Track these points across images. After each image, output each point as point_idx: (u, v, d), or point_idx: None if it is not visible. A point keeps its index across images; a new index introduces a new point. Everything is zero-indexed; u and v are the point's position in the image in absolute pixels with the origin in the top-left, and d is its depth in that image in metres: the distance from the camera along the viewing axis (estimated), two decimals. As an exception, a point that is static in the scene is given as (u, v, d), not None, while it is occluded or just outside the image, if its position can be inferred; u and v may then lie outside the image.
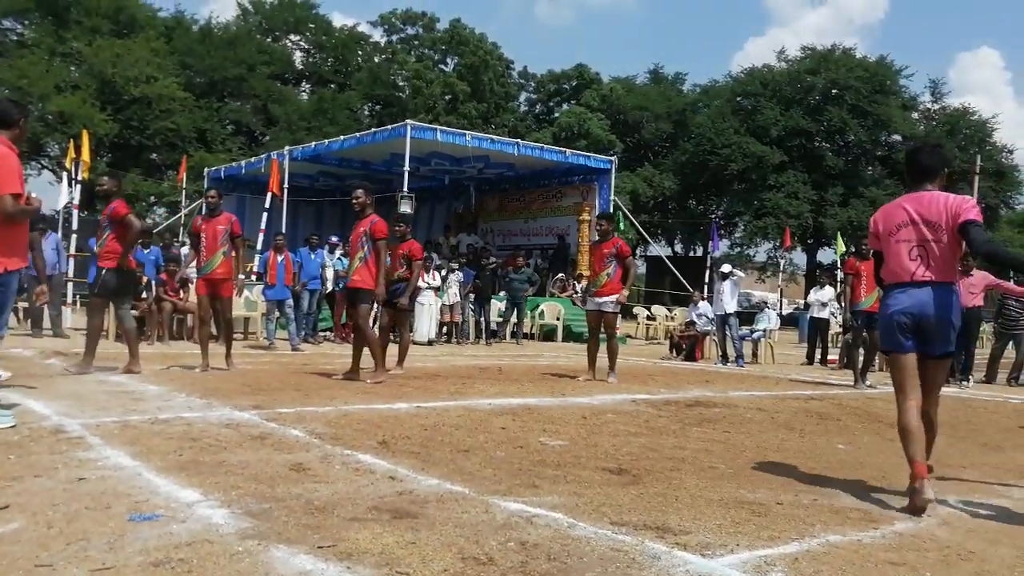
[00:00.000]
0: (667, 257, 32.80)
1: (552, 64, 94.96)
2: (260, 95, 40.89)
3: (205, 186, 24.89)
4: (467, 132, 20.94)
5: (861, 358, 11.20)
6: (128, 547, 2.91)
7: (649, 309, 25.26)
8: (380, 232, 8.46)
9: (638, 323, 23.38)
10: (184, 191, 26.83)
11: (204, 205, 9.33)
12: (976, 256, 4.27)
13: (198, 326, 9.66)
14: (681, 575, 2.93)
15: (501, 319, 17.60)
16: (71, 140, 16.08)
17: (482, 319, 16.91)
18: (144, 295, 12.94)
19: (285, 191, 19.74)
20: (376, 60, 48.86)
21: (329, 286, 14.76)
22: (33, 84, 31.10)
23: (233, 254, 9.09)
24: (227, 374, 8.60)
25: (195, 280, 9.38)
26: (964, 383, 11.82)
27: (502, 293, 17.60)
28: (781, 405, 8.25)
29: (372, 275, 8.48)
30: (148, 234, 16.85)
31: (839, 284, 21.38)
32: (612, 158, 22.83)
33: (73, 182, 15.03)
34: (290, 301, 13.34)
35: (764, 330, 16.06)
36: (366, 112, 46.51)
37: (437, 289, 15.49)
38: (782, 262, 35.16)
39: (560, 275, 20.89)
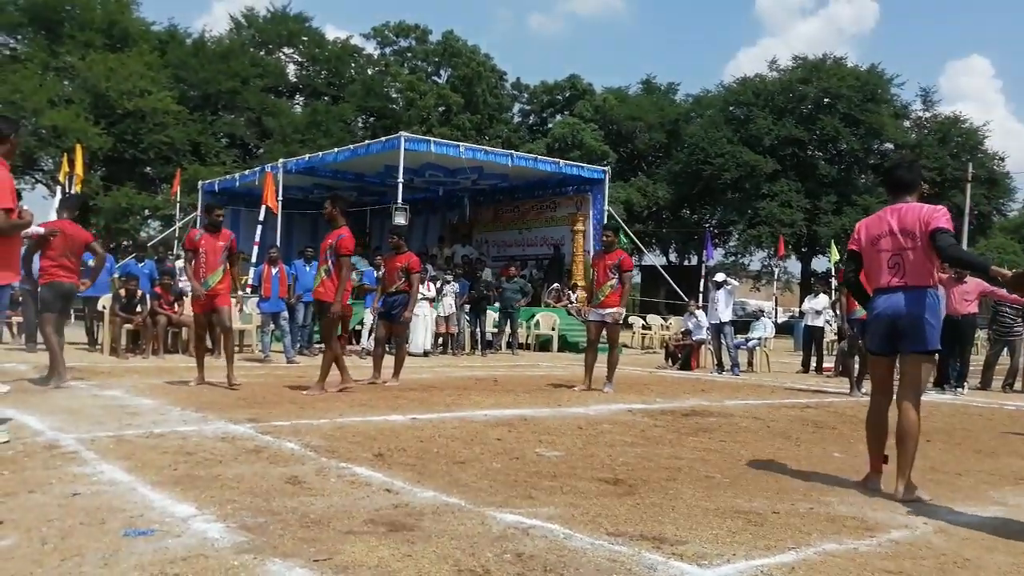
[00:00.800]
0: (662, 266, 32.83)
1: (545, 75, 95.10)
2: (254, 108, 40.92)
3: (200, 199, 24.98)
4: (461, 143, 20.96)
5: (856, 366, 11.20)
6: (123, 563, 2.90)
7: (644, 318, 25.26)
8: (345, 248, 8.38)
9: (633, 332, 23.38)
10: (179, 204, 26.84)
11: (206, 220, 9.20)
12: (943, 260, 4.50)
13: (195, 341, 9.48)
14: (678, 585, 2.92)
15: (496, 330, 17.59)
16: (64, 154, 16.07)
17: (477, 330, 16.90)
18: (139, 308, 12.91)
19: (279, 204, 19.75)
20: (369, 72, 48.94)
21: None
22: (26, 98, 31.10)
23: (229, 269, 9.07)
24: (222, 386, 8.56)
25: (190, 295, 9.35)
26: (959, 390, 11.83)
27: (496, 304, 17.60)
28: (777, 414, 8.26)
29: (334, 289, 8.40)
30: (142, 247, 16.87)
31: (833, 292, 21.45)
32: (606, 168, 22.89)
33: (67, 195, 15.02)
34: (285, 313, 13.34)
35: (759, 339, 16.07)
36: (360, 124, 46.55)
37: (432, 300, 15.49)
38: (776, 270, 35.29)
39: (555, 285, 20.91)
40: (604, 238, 10.30)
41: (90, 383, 8.64)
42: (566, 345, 18.67)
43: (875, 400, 4.88)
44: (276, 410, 6.95)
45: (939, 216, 4.53)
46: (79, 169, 15.01)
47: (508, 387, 9.80)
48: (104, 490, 3.95)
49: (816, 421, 7.79)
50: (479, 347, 16.71)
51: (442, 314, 15.97)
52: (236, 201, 23.95)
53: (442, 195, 24.85)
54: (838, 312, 16.10)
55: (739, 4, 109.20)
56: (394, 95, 47.33)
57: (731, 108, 43.02)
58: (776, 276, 35.52)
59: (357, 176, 22.51)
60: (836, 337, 17.09)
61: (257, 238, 19.06)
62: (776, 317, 34.63)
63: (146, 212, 36.73)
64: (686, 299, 19.01)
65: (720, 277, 14.34)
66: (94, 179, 33.66)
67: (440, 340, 16.27)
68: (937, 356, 4.85)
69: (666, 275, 26.68)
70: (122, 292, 13.04)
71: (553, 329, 18.82)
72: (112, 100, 33.57)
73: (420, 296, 14.34)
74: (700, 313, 15.87)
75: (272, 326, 13.41)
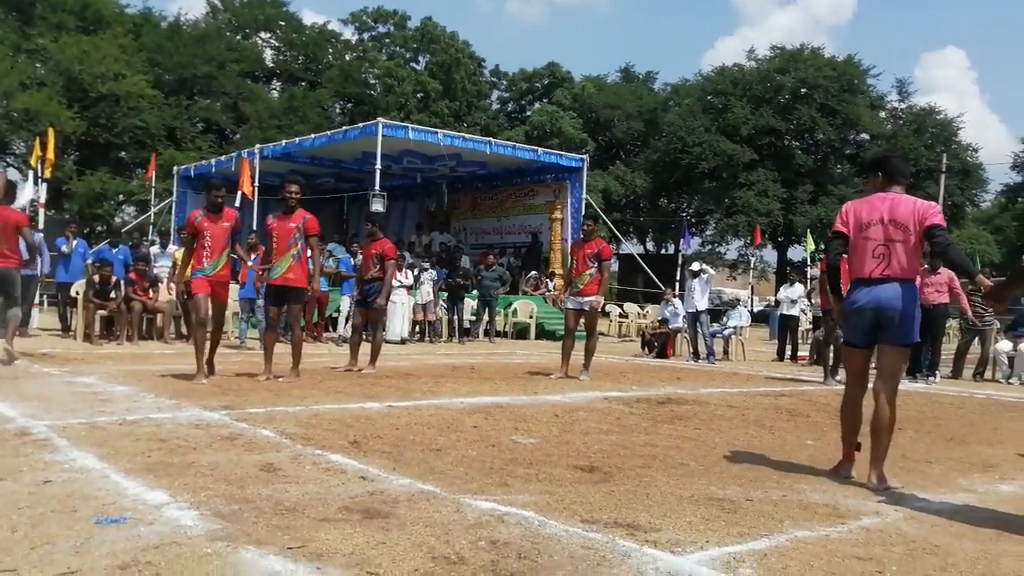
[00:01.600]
0: (639, 255, 32.95)
1: (524, 62, 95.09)
2: (230, 93, 40.56)
3: (175, 184, 24.72)
4: (439, 130, 20.90)
5: (831, 354, 11.30)
6: (94, 550, 2.88)
7: (621, 307, 25.34)
8: (314, 229, 8.37)
9: (610, 321, 23.45)
10: (153, 189, 26.57)
11: (207, 202, 8.35)
12: (935, 256, 4.50)
13: (196, 327, 8.31)
14: (651, 572, 2.94)
15: (474, 317, 17.59)
16: (36, 138, 15.84)
17: (455, 317, 16.90)
18: (113, 295, 12.80)
19: (255, 190, 19.60)
20: (347, 58, 48.70)
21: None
22: (-2, 81, 30.68)
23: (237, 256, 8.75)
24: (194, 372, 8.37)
25: (190, 279, 8.38)
26: (931, 379, 11.97)
27: (475, 292, 17.59)
28: (751, 402, 8.32)
29: (307, 272, 8.39)
30: (117, 233, 16.69)
31: (809, 281, 21.61)
32: (584, 156, 22.90)
33: (39, 180, 14.82)
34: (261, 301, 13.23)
35: (735, 327, 16.17)
36: (337, 110, 46.31)
37: (410, 288, 15.46)
38: (752, 259, 35.49)
39: (533, 273, 20.92)
40: (585, 227, 10.28)
41: (63, 369, 8.57)
42: (544, 333, 18.70)
43: (851, 390, 4.87)
44: (251, 397, 6.91)
45: (935, 212, 4.52)
46: (51, 153, 14.78)
47: (485, 375, 9.81)
48: (76, 477, 3.92)
49: (790, 409, 7.85)
50: (456, 335, 16.71)
51: (419, 302, 15.94)
52: (213, 186, 23.74)
53: (420, 182, 24.78)
54: (813, 301, 16.25)
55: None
56: (372, 81, 47.13)
57: (709, 97, 43.13)
58: (752, 265, 35.72)
59: (334, 162, 22.39)
60: (811, 326, 17.23)
61: (233, 224, 18.88)
62: (752, 306, 34.92)
63: (120, 197, 36.38)
64: (663, 287, 19.09)
65: (697, 266, 14.42)
66: (67, 163, 33.27)
67: (417, 328, 16.25)
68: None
69: (643, 264, 26.77)
70: (96, 278, 12.91)
71: (531, 317, 18.85)
72: (85, 83, 33.17)
73: (397, 284, 14.32)
74: (676, 301, 15.93)
75: (249, 313, 13.32)
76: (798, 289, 15.98)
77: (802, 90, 40.33)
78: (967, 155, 42.72)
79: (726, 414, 7.27)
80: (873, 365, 4.81)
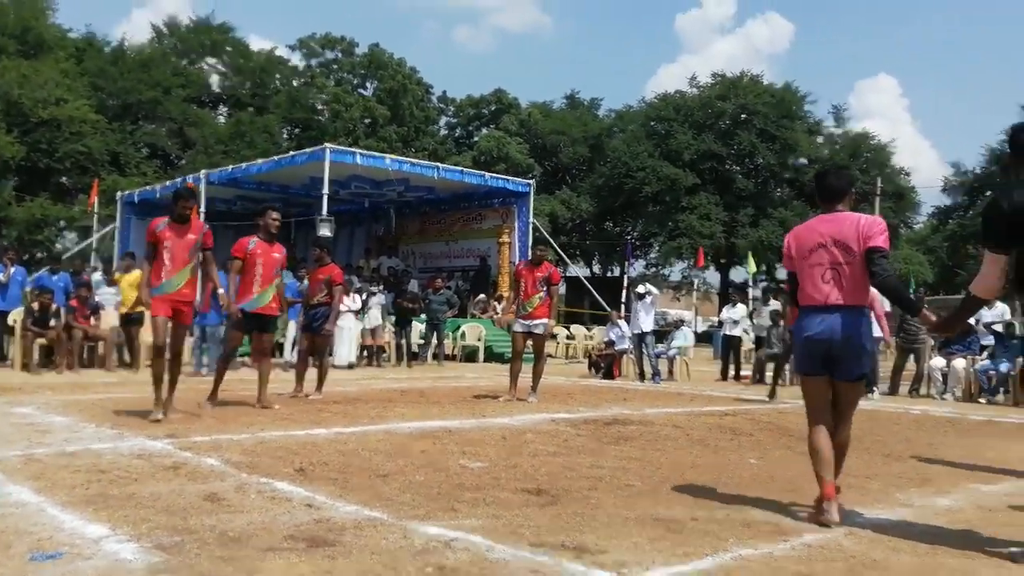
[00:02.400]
0: (585, 278, 33.16)
1: (471, 89, 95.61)
2: (176, 118, 40.06)
3: (119, 211, 24.19)
4: (387, 155, 20.87)
5: (779, 373, 11.46)
6: (32, 585, 2.82)
7: (569, 328, 25.46)
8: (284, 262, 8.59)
9: (558, 343, 23.52)
10: (96, 215, 26.07)
11: (174, 212, 7.30)
12: (873, 283, 4.21)
13: (154, 356, 7.48)
14: (597, 593, 2.97)
15: (422, 341, 17.53)
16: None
17: (403, 341, 16.82)
18: (52, 322, 12.52)
19: (202, 215, 19.34)
20: (295, 84, 48.45)
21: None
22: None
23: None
24: (140, 401, 7.90)
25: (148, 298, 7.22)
26: (870, 395, 12.20)
27: (423, 315, 17.54)
28: (696, 421, 8.42)
29: (279, 302, 8.47)
30: (57, 260, 16.34)
31: (751, 302, 21.96)
32: (531, 181, 23.05)
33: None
34: (211, 327, 13.02)
35: (679, 348, 16.37)
36: (285, 136, 45.99)
37: (357, 312, 15.36)
38: (696, 281, 35.99)
39: (481, 296, 20.93)
40: (538, 251, 10.36)
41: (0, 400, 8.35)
42: (492, 356, 18.69)
43: (815, 425, 4.40)
44: (196, 425, 6.81)
45: (878, 232, 4.19)
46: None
47: (433, 399, 9.78)
48: (10, 512, 3.82)
49: (734, 428, 7.96)
50: (405, 359, 16.63)
51: (367, 326, 15.84)
52: (156, 212, 23.10)
53: (368, 207, 24.68)
54: (754, 321, 16.53)
55: (660, 22, 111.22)
56: (320, 107, 46.96)
57: (652, 123, 43.77)
58: (696, 287, 36.24)
59: (281, 188, 22.20)
60: (754, 346, 17.51)
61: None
62: (696, 326, 35.34)
63: (62, 223, 35.61)
64: (609, 309, 19.24)
65: (643, 288, 14.59)
66: (6, 189, 32.53)
67: (365, 352, 16.14)
68: None
69: (590, 286, 26.96)
70: (35, 305, 12.62)
71: (479, 340, 18.84)
72: (26, 108, 32.45)
73: (345, 308, 14.22)
74: (622, 323, 16.08)
75: (205, 342, 13.04)
76: (740, 310, 16.25)
77: (742, 116, 41.14)
78: (900, 179, 43.94)
79: (671, 434, 7.35)
80: None
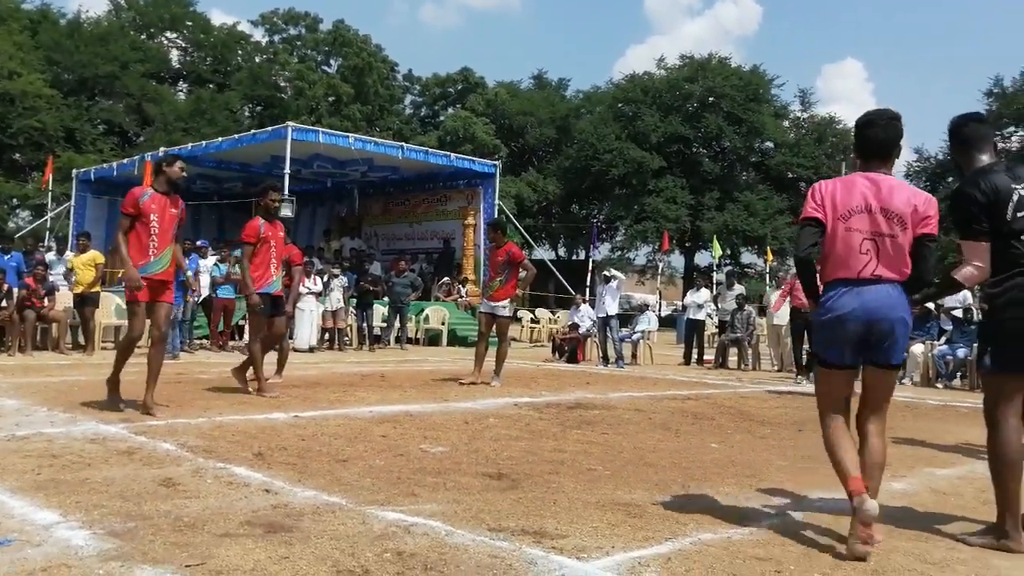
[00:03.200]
0: (551, 261, 33.19)
1: (438, 67, 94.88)
2: (134, 94, 39.34)
3: (74, 188, 23.71)
4: (350, 134, 20.65)
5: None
6: (-24, 575, 2.75)
7: (533, 312, 25.49)
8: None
9: (522, 326, 23.56)
10: (50, 193, 25.57)
11: (165, 179, 6.70)
12: (916, 271, 3.60)
13: (126, 344, 6.76)
14: (556, 579, 2.96)
15: (384, 324, 17.43)
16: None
17: (365, 324, 16.72)
18: (3, 303, 12.25)
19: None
20: (257, 60, 47.78)
21: (205, 292, 14.27)
22: None
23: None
24: (94, 384, 7.68)
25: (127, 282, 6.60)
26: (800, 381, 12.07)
27: (385, 298, 17.43)
28: (658, 406, 8.46)
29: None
30: (9, 239, 16.00)
31: (715, 286, 22.13)
32: (497, 163, 22.95)
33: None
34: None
35: (643, 332, 16.45)
36: (246, 113, 45.42)
37: (318, 295, 15.22)
38: (661, 265, 36.17)
39: (445, 279, 20.85)
40: (489, 236, 10.41)
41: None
42: (456, 339, 18.66)
43: (835, 423, 3.74)
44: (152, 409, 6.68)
45: (934, 214, 3.62)
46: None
47: (395, 383, 9.73)
48: (-41, 497, 3.73)
49: (696, 413, 8.01)
50: (367, 342, 16.54)
51: (329, 308, 15.70)
52: (113, 191, 22.91)
53: (330, 187, 24.45)
54: (719, 305, 16.64)
55: (630, 2, 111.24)
56: (282, 84, 46.40)
57: (620, 105, 43.83)
58: (660, 270, 36.42)
59: (242, 166, 21.88)
60: (717, 330, 17.66)
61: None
62: (660, 310, 35.58)
63: (14, 201, 34.92)
64: (574, 293, 19.28)
65: (608, 272, 14.62)
66: (-44, 165, 31.85)
67: (326, 335, 16.01)
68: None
69: (555, 269, 26.98)
70: (-14, 286, 12.34)
71: (443, 324, 18.78)
72: (-24, 82, 31.78)
73: (305, 290, 14.10)
74: (585, 307, 16.13)
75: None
76: (704, 294, 16.35)
77: (709, 99, 41.35)
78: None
79: (633, 418, 7.37)
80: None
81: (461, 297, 20.08)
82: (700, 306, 15.93)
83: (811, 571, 3.22)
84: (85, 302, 12.91)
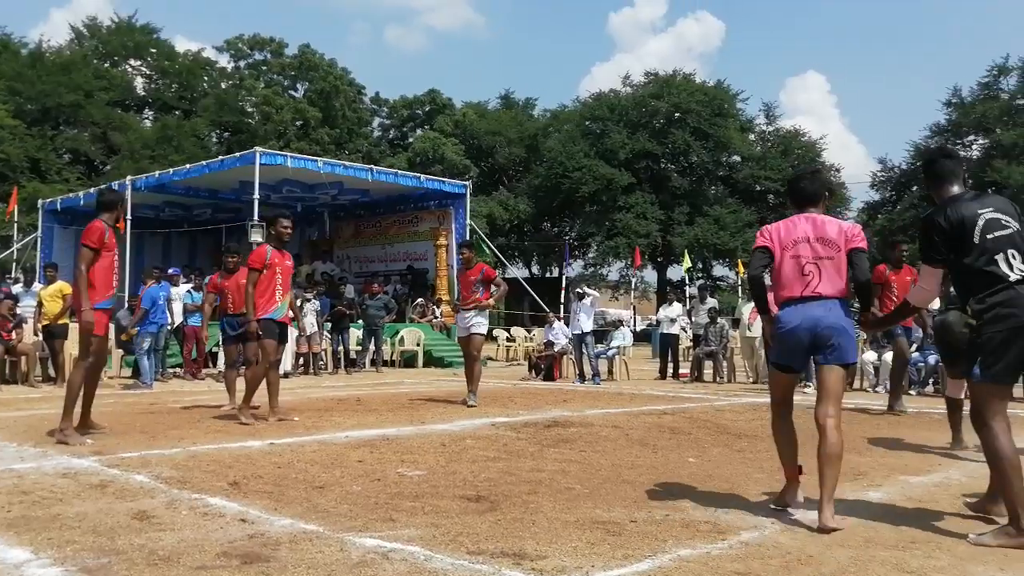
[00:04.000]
0: (524, 279, 33.23)
1: (404, 89, 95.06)
2: (99, 123, 39.05)
3: (40, 219, 23.46)
4: (319, 158, 20.64)
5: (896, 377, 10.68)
6: (-54, 618, 2.69)
7: (509, 331, 25.48)
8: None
9: (498, 345, 23.53)
10: (16, 224, 25.25)
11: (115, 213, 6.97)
12: (854, 280, 4.41)
13: (91, 375, 6.87)
14: (537, 601, 2.94)
15: (360, 347, 17.34)
16: None
17: (340, 348, 16.62)
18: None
19: (128, 223, 18.87)
20: (223, 86, 47.64)
21: (177, 320, 14.14)
22: None
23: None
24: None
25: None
26: (805, 389, 12.32)
27: (360, 321, 17.36)
28: (635, 421, 8.47)
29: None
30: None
31: (688, 300, 22.25)
32: (467, 183, 23.00)
33: None
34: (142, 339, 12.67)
35: (618, 347, 16.49)
36: (213, 139, 45.21)
37: (292, 319, 15.08)
38: (634, 280, 36.35)
39: (419, 300, 20.82)
40: (461, 255, 10.53)
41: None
42: (432, 360, 18.61)
43: (780, 411, 4.58)
44: (124, 440, 6.61)
45: (861, 235, 4.43)
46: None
47: (371, 406, 9.67)
48: (-74, 539, 3.66)
49: (672, 427, 8.02)
50: (342, 366, 16.44)
51: (303, 333, 15.59)
52: (80, 220, 22.67)
53: (301, 211, 24.32)
54: (692, 319, 16.73)
55: (593, 21, 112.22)
56: (249, 109, 46.25)
57: (587, 123, 44.12)
58: (633, 286, 36.60)
59: (211, 193, 21.77)
60: (691, 343, 17.73)
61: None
62: (635, 325, 35.73)
63: (-21, 233, 34.44)
64: (548, 311, 19.31)
65: (581, 289, 14.66)
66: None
67: (301, 360, 15.90)
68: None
69: (528, 288, 27.02)
70: (-48, 320, 12.16)
71: (418, 345, 18.72)
72: (-62, 113, 31.42)
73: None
74: (559, 324, 16.16)
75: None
76: (676, 308, 16.43)
77: (676, 115, 41.69)
78: (830, 175, 44.94)
79: (611, 435, 7.37)
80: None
81: (436, 318, 20.06)
82: (673, 320, 16.01)
83: (791, 583, 3.22)
84: (53, 334, 12.75)
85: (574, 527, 3.97)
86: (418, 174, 22.98)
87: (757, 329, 13.94)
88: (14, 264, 22.82)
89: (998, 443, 3.94)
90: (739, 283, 34.51)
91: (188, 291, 14.37)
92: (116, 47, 44.17)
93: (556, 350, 15.70)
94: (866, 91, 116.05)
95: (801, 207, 4.56)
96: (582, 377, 14.39)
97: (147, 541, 3.62)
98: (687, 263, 30.35)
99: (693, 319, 16.72)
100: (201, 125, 42.61)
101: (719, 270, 45.45)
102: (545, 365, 15.52)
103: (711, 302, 16.50)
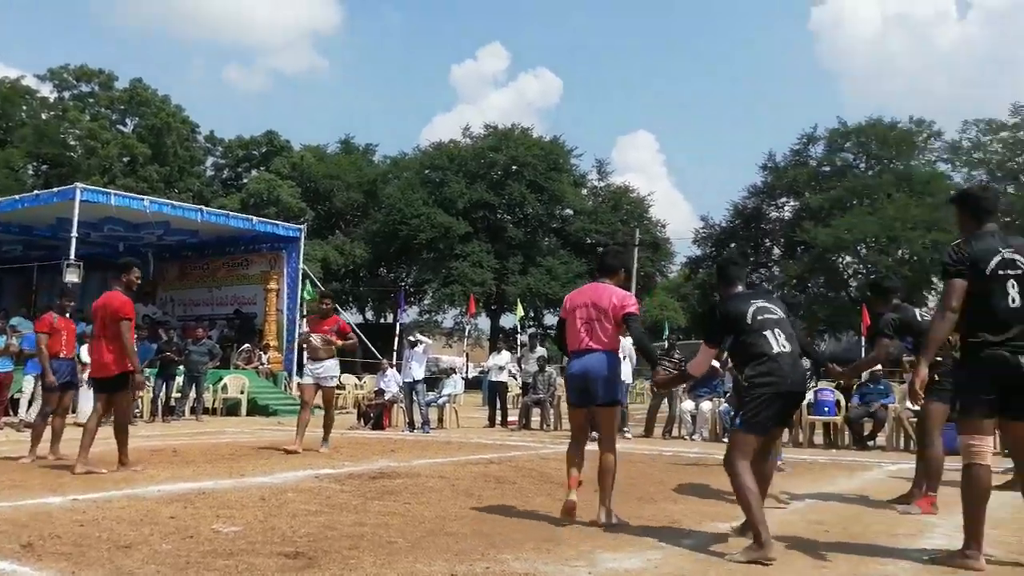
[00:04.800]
0: (358, 325, 32.82)
1: (241, 130, 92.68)
2: None
3: None
4: (145, 197, 19.82)
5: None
6: None
7: (339, 378, 25.00)
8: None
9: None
10: None
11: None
12: (631, 336, 6.01)
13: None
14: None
15: (179, 395, 16.55)
16: None
17: (161, 394, 15.83)
18: None
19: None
20: (44, 116, 44.97)
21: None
22: None
23: None
24: None
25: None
26: (625, 434, 12.86)
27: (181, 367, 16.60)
28: (462, 471, 8.49)
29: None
30: None
31: (519, 348, 22.60)
32: (302, 226, 22.65)
33: None
34: None
35: (449, 395, 16.53)
36: (30, 172, 42.53)
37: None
38: (468, 327, 36.65)
39: (246, 346, 20.18)
40: (324, 305, 10.78)
41: None
42: (256, 408, 18.00)
43: (574, 440, 5.85)
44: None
45: (631, 303, 5.64)
46: None
47: (188, 457, 9.25)
48: None
49: (498, 477, 8.10)
50: (159, 414, 15.65)
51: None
52: None
53: (123, 251, 23.13)
54: (522, 367, 17.00)
55: (436, 72, 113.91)
56: (72, 142, 43.83)
57: (427, 171, 44.49)
58: (467, 333, 36.88)
59: (23, 229, 20.43)
60: (520, 391, 17.99)
61: None
62: (467, 372, 35.95)
63: None
64: (381, 358, 19.13)
65: (414, 337, 14.65)
66: None
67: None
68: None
69: (361, 334, 26.67)
70: None
71: (242, 392, 18.08)
72: None
73: (87, 360, 13.21)
74: (392, 371, 16.05)
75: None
76: (505, 356, 16.70)
77: (513, 167, 42.69)
78: (657, 230, 47.14)
79: (436, 485, 7.36)
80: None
81: (262, 364, 19.50)
82: (501, 368, 16.23)
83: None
84: None
85: (392, 583, 3.93)
86: (251, 216, 22.46)
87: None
88: None
89: (744, 479, 4.79)
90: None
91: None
92: (-80, 68, 41.13)
93: (387, 398, 15.56)
94: (692, 151, 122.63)
95: (602, 275, 5.83)
96: (411, 426, 14.30)
97: (-79, 612, 3.32)
98: (520, 311, 30.91)
99: (523, 367, 17.00)
100: (16, 156, 40.06)
101: (550, 319, 46.51)
102: (375, 413, 15.34)
103: (540, 351, 16.82)
